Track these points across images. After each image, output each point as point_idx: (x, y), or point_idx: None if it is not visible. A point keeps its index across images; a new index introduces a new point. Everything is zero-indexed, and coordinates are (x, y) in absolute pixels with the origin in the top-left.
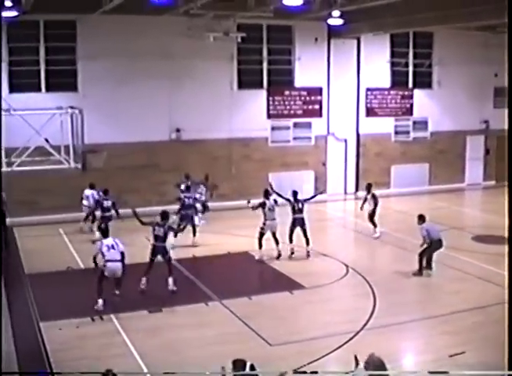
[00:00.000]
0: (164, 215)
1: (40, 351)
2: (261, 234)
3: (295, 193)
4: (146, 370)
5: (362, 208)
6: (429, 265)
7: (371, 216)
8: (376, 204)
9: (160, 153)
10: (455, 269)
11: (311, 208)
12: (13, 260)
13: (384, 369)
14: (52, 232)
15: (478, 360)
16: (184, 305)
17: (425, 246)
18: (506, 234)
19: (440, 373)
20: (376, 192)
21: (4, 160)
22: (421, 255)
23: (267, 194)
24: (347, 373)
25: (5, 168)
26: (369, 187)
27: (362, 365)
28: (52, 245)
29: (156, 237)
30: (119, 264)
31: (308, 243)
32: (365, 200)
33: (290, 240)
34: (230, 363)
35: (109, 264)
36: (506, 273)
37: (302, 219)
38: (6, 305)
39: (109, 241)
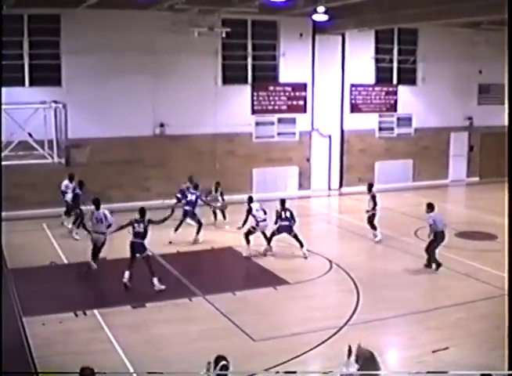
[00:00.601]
0: (142, 211)
1: (23, 346)
2: (250, 232)
3: (283, 202)
4: (129, 366)
5: (367, 211)
6: (436, 263)
7: (370, 219)
8: (375, 205)
9: (144, 148)
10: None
11: (295, 204)
12: None
13: (374, 361)
14: (36, 227)
15: (461, 356)
16: (168, 300)
17: (431, 238)
18: (506, 237)
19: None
20: (360, 188)
21: None
22: (428, 250)
23: (250, 200)
24: (326, 372)
25: None
26: (369, 187)
27: (353, 357)
28: (35, 240)
29: (135, 234)
30: (102, 236)
31: (301, 245)
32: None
33: (269, 242)
34: (213, 360)
35: (94, 235)
36: (506, 275)
37: (289, 227)
38: None
39: (99, 215)
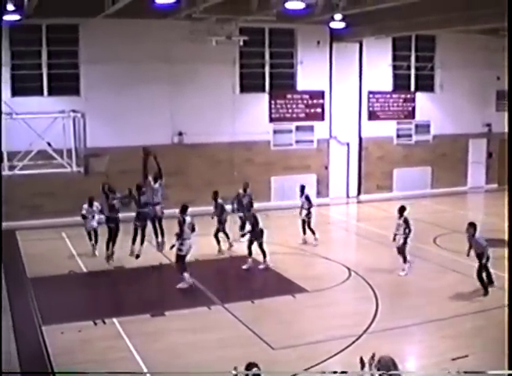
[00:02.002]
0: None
1: (42, 354)
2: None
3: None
4: (148, 375)
5: (394, 239)
6: (490, 281)
7: (401, 249)
8: (409, 232)
9: (162, 156)
10: (457, 272)
11: (313, 212)
12: (15, 264)
13: (396, 368)
14: (55, 235)
15: (480, 363)
16: (186, 308)
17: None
18: (506, 238)
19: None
20: (378, 195)
21: (6, 163)
22: (480, 275)
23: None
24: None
25: (7, 172)
26: (401, 211)
27: (367, 367)
28: (54, 249)
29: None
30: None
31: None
32: (398, 227)
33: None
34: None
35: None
36: (506, 276)
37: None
38: (8, 309)
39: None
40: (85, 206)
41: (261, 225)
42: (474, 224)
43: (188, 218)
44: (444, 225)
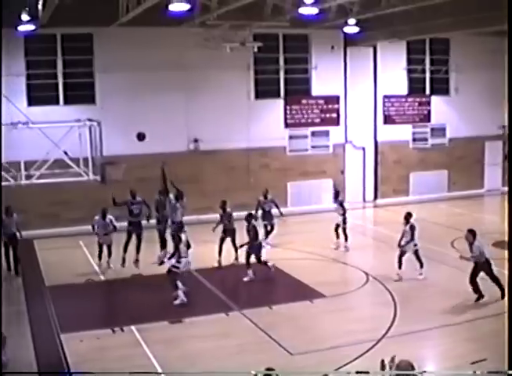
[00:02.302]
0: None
1: (61, 363)
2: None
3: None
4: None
5: (399, 245)
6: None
7: (415, 255)
8: (411, 240)
9: (178, 164)
10: None
11: (330, 217)
12: (34, 272)
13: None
14: (72, 244)
15: (499, 366)
16: (204, 315)
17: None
18: (506, 238)
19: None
20: (395, 199)
21: (23, 173)
22: (473, 280)
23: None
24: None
25: (24, 181)
26: (407, 217)
27: (388, 369)
28: (72, 257)
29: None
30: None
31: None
32: (404, 234)
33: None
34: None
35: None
36: (506, 277)
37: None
38: (27, 317)
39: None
40: (97, 218)
41: (260, 238)
42: (474, 231)
43: (183, 236)
44: (461, 229)
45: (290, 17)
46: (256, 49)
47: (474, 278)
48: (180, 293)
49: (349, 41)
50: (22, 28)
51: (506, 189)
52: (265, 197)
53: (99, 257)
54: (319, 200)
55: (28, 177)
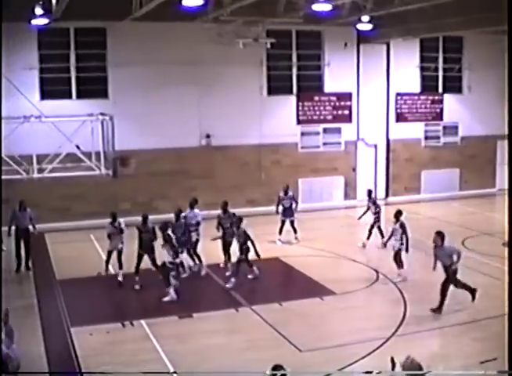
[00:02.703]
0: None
1: (70, 356)
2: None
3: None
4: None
5: (385, 245)
6: (471, 290)
7: (396, 254)
8: (407, 239)
9: (190, 159)
10: (485, 274)
11: (341, 214)
12: (44, 266)
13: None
14: (84, 238)
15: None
16: (214, 310)
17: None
18: (506, 238)
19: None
20: (407, 197)
21: (35, 166)
22: (444, 288)
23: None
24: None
25: (36, 175)
26: (397, 215)
27: (398, 367)
28: (83, 251)
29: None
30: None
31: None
32: (394, 232)
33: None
34: (269, 369)
35: None
36: (506, 276)
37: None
38: (37, 311)
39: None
40: (107, 223)
41: (249, 243)
42: (442, 233)
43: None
44: (472, 228)
45: (303, 14)
46: (269, 45)
47: (447, 286)
48: (171, 291)
49: (362, 38)
50: (35, 22)
51: None
52: (286, 193)
53: (107, 264)
54: (330, 197)
55: (40, 170)
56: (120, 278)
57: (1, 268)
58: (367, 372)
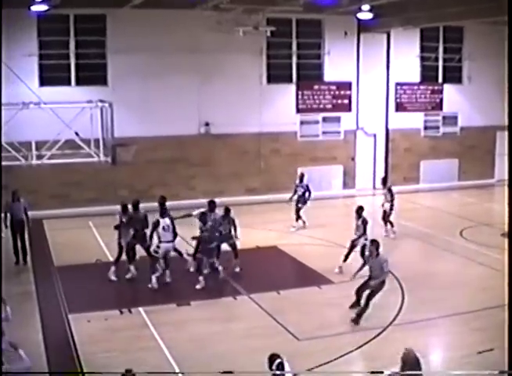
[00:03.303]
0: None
1: (68, 343)
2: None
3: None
4: (173, 364)
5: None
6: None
7: (354, 244)
8: (365, 233)
9: (189, 147)
10: (484, 265)
11: (340, 203)
12: (43, 253)
13: (419, 366)
14: (82, 225)
15: (506, 357)
16: (212, 298)
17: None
18: (506, 229)
19: None
20: (405, 187)
21: (34, 153)
22: (359, 291)
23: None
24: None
25: (35, 161)
26: (359, 211)
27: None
28: (81, 238)
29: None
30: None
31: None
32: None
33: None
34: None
35: (163, 244)
36: (506, 275)
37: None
38: (35, 297)
39: (165, 222)
40: (118, 213)
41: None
42: (377, 242)
43: (164, 221)
44: (471, 218)
45: (303, 2)
46: (269, 34)
47: (362, 289)
48: (154, 279)
49: (363, 27)
50: (35, 8)
51: None
52: (301, 181)
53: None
54: (329, 186)
55: (39, 157)
56: (130, 274)
57: (0, 256)
58: (374, 372)
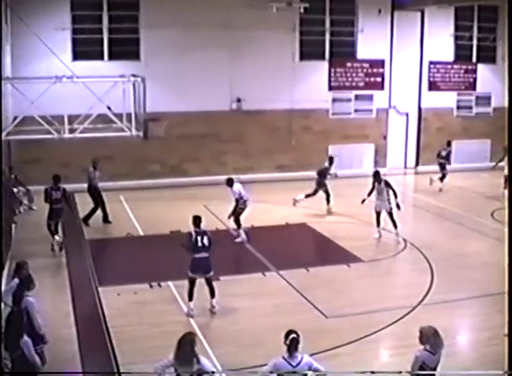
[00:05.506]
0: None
1: (98, 315)
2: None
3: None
4: (202, 339)
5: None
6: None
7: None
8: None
9: (220, 122)
10: None
11: (371, 182)
12: (74, 226)
13: (439, 336)
14: (113, 198)
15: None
16: (241, 274)
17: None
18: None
19: None
20: (436, 167)
21: (67, 126)
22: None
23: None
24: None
25: (67, 135)
26: (376, 175)
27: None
28: (112, 211)
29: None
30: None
31: None
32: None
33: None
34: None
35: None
36: (506, 274)
37: None
38: (66, 270)
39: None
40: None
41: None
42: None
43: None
44: (501, 199)
45: None
46: (302, 10)
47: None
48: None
49: (397, 5)
50: None
51: None
52: (330, 163)
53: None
54: (360, 164)
55: (71, 131)
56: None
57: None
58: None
